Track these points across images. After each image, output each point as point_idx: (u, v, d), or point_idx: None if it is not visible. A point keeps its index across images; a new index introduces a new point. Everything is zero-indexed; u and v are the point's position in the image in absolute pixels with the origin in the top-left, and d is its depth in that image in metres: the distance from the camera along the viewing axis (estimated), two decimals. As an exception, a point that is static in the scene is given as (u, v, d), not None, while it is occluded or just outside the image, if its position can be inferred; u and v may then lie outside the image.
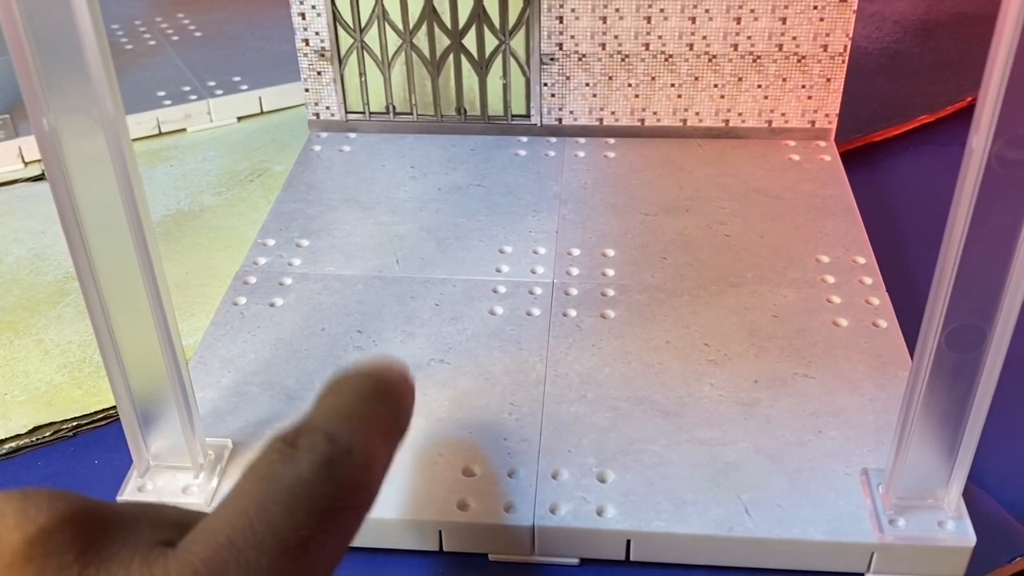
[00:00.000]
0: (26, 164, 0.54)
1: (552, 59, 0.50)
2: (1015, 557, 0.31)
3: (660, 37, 0.49)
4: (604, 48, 0.49)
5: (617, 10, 0.48)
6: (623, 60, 0.49)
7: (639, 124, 0.51)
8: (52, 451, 0.36)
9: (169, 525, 0.22)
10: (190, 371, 0.31)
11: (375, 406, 0.25)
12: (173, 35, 0.66)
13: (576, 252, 0.43)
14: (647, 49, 0.49)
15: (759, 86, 0.49)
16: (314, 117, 0.52)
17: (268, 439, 0.23)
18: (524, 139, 0.52)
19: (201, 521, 0.21)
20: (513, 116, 0.52)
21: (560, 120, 0.51)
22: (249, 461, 0.22)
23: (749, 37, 0.48)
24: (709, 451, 0.33)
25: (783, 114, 0.50)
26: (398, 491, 0.32)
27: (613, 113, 0.51)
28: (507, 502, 0.31)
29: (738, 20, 0.48)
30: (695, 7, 0.48)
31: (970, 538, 0.30)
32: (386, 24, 0.49)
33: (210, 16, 0.68)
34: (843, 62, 0.49)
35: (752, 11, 0.47)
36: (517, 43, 0.49)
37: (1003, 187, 0.23)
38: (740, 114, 0.50)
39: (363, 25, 0.50)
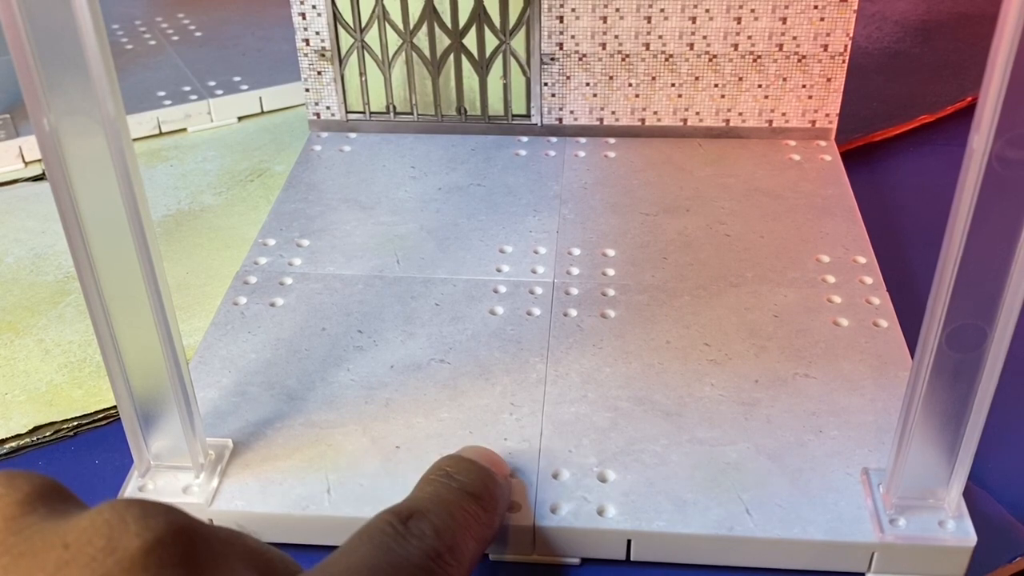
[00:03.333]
0: (26, 164, 0.54)
1: (552, 59, 0.50)
2: (1015, 557, 0.31)
3: (660, 37, 0.49)
4: (604, 48, 0.49)
5: (617, 10, 0.48)
6: (623, 60, 0.49)
7: (639, 124, 0.51)
8: (53, 451, 0.36)
9: (253, 555, 0.23)
10: (190, 371, 0.31)
11: (478, 509, 0.27)
12: (173, 35, 0.66)
13: (576, 252, 0.43)
14: (647, 49, 0.49)
15: (759, 86, 0.49)
16: (314, 117, 0.52)
17: (381, 513, 0.25)
18: (524, 139, 0.52)
19: (316, 568, 0.23)
20: (513, 116, 0.52)
21: (560, 120, 0.51)
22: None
23: (749, 37, 0.48)
24: (710, 451, 0.33)
25: (783, 114, 0.50)
26: (399, 492, 0.32)
27: (613, 113, 0.51)
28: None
29: (738, 20, 0.48)
30: (695, 7, 0.48)
31: (971, 538, 0.30)
32: (386, 24, 0.49)
33: (210, 16, 0.68)
34: (843, 62, 0.49)
35: (752, 11, 0.47)
36: (517, 43, 0.49)
37: (1004, 187, 0.23)
38: (740, 114, 0.50)
39: (363, 25, 0.50)
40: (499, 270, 0.42)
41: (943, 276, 0.25)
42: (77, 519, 0.20)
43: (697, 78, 0.50)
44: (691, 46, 0.49)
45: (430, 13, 0.49)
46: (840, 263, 0.42)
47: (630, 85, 0.50)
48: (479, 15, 0.49)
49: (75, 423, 0.37)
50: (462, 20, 0.49)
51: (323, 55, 0.50)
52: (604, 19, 0.48)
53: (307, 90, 0.52)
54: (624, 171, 0.49)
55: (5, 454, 0.36)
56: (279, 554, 0.25)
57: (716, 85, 0.50)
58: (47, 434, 0.37)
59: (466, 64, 0.50)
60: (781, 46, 0.48)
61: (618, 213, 0.45)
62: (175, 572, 0.20)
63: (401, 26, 0.49)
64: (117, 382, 0.29)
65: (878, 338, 0.38)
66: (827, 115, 0.50)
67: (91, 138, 0.25)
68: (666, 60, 0.49)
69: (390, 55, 0.50)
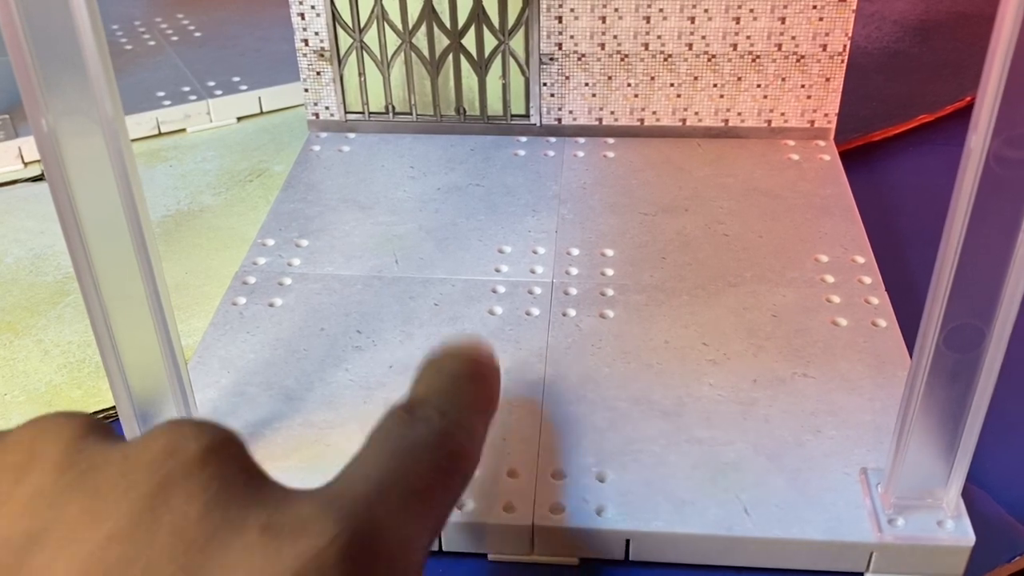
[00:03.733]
0: (26, 164, 0.54)
1: (551, 59, 0.50)
2: (1014, 556, 0.31)
3: (659, 37, 0.49)
4: (603, 48, 0.49)
5: (616, 10, 0.48)
6: (622, 60, 0.49)
7: (638, 124, 0.51)
8: (52, 451, 0.36)
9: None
10: (189, 371, 0.31)
11: (472, 386, 0.28)
12: (173, 35, 0.66)
13: (575, 252, 0.43)
14: (646, 49, 0.49)
15: (758, 86, 0.49)
16: (313, 117, 0.52)
17: (388, 409, 0.26)
18: (523, 139, 0.52)
19: (344, 467, 0.24)
20: (512, 116, 0.52)
21: (559, 120, 0.51)
22: (373, 427, 0.25)
23: (748, 37, 0.48)
24: (708, 451, 0.33)
25: (782, 114, 0.50)
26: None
27: (612, 113, 0.51)
28: (506, 502, 0.31)
29: (737, 20, 0.48)
30: (694, 7, 0.48)
31: (969, 537, 0.30)
32: (385, 24, 0.49)
33: (210, 16, 0.69)
34: (842, 62, 0.49)
35: (751, 11, 0.48)
36: (516, 43, 0.50)
37: (1001, 186, 0.24)
38: (739, 114, 0.50)
39: (362, 25, 0.50)
40: (498, 270, 0.42)
41: (941, 276, 0.25)
42: (134, 439, 0.21)
43: (696, 78, 0.50)
44: (690, 46, 0.49)
45: (429, 13, 0.49)
46: (839, 263, 0.42)
47: (629, 85, 0.50)
48: (478, 15, 0.49)
49: (74, 423, 0.37)
50: (461, 20, 0.49)
51: (322, 55, 0.50)
52: (603, 19, 0.48)
53: (306, 90, 0.52)
54: (623, 171, 0.49)
55: (4, 454, 0.36)
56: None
57: (715, 85, 0.50)
58: (46, 434, 0.37)
59: (465, 64, 0.50)
60: (780, 46, 0.48)
61: (617, 213, 0.45)
62: (233, 468, 0.21)
63: (400, 26, 0.49)
64: (116, 382, 0.29)
65: (877, 338, 0.38)
66: (826, 115, 0.50)
67: (89, 138, 0.25)
68: (665, 60, 0.49)
69: (389, 55, 0.50)
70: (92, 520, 0.19)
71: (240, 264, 0.43)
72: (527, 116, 0.52)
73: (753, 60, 0.49)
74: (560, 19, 0.49)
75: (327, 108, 0.52)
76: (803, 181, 0.48)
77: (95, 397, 0.38)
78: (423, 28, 0.49)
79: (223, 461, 0.21)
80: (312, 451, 0.33)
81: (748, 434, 0.34)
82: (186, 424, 0.21)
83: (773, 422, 0.34)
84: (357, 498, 0.22)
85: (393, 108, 0.52)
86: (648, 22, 0.48)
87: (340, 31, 0.50)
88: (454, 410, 0.26)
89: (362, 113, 0.52)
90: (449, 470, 0.25)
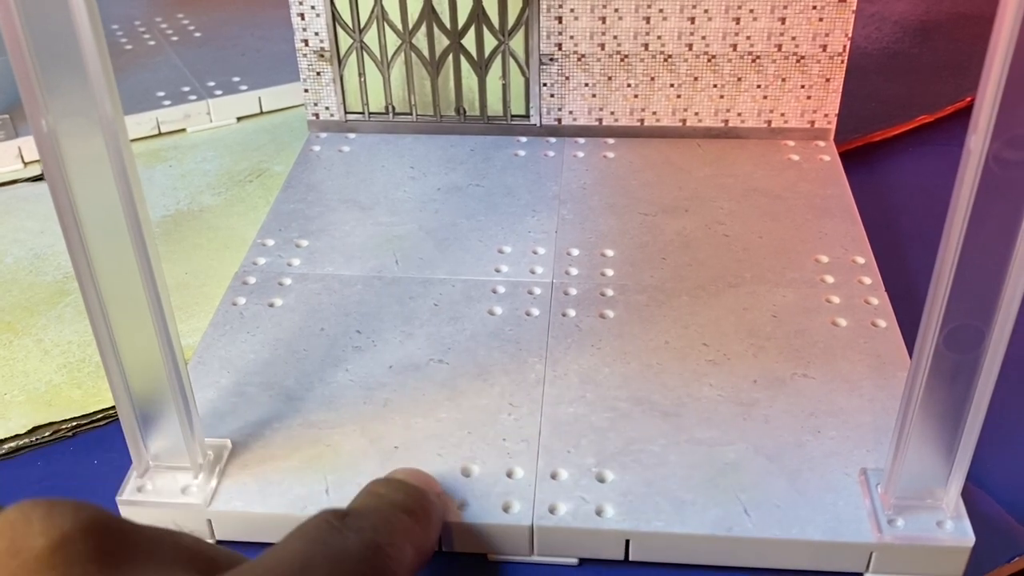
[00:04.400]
0: (26, 164, 0.54)
1: (551, 59, 0.50)
2: (1014, 557, 0.31)
3: (659, 37, 0.49)
4: (603, 48, 0.49)
5: (616, 10, 0.48)
6: (622, 60, 0.49)
7: (638, 124, 0.51)
8: (51, 451, 0.36)
9: (189, 554, 0.23)
10: (189, 371, 0.31)
11: (410, 521, 0.27)
12: (173, 35, 0.66)
13: (575, 252, 0.43)
14: (646, 49, 0.49)
15: (758, 86, 0.49)
16: (313, 117, 0.52)
17: (319, 512, 0.25)
18: (523, 139, 0.52)
19: (244, 564, 0.22)
20: (512, 116, 0.52)
21: (559, 120, 0.51)
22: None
23: (748, 37, 0.48)
24: (708, 451, 0.33)
25: (782, 114, 0.50)
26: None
27: (612, 113, 0.51)
28: (506, 502, 0.31)
29: (737, 20, 0.48)
30: (694, 7, 0.48)
31: (969, 538, 0.30)
32: (385, 24, 0.49)
33: (210, 16, 0.68)
34: (842, 62, 0.49)
35: (751, 11, 0.48)
36: (516, 43, 0.49)
37: (1001, 187, 0.24)
38: (739, 114, 0.50)
39: (362, 25, 0.50)
40: (498, 270, 0.42)
41: (941, 276, 0.25)
42: None
43: (696, 78, 0.50)
44: (690, 46, 0.49)
45: (429, 13, 0.49)
46: (839, 263, 0.42)
47: (629, 85, 0.50)
48: (478, 15, 0.49)
49: (74, 423, 0.37)
50: (461, 20, 0.49)
51: (322, 56, 0.50)
52: (603, 20, 0.48)
53: (306, 90, 0.52)
54: (623, 171, 0.49)
55: (4, 454, 0.36)
56: (224, 551, 0.24)
57: (715, 85, 0.50)
58: (46, 434, 0.37)
59: (465, 64, 0.50)
60: (780, 46, 0.48)
61: (617, 213, 0.45)
62: (85, 569, 0.19)
63: (400, 26, 0.49)
64: (116, 382, 0.29)
65: (876, 338, 0.38)
66: (826, 115, 0.50)
67: (89, 139, 0.25)
68: (665, 60, 0.49)
69: (389, 56, 0.50)
70: None
71: (240, 264, 0.43)
72: (527, 116, 0.52)
73: (753, 61, 0.49)
74: (560, 19, 0.49)
75: (327, 108, 0.52)
76: (803, 182, 0.48)
77: (95, 397, 0.38)
78: (423, 28, 0.49)
79: (72, 560, 0.19)
80: (312, 451, 0.33)
81: (748, 434, 0.34)
82: (37, 512, 0.19)
83: (773, 422, 0.34)
84: None
85: (393, 108, 0.52)
86: (648, 22, 0.48)
87: (340, 31, 0.50)
88: (388, 531, 0.25)
89: (362, 113, 0.52)
90: None
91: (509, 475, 0.32)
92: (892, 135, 0.54)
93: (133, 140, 0.52)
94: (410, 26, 0.49)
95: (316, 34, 0.50)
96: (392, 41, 0.50)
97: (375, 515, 0.26)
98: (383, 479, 0.29)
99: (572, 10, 0.48)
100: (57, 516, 0.19)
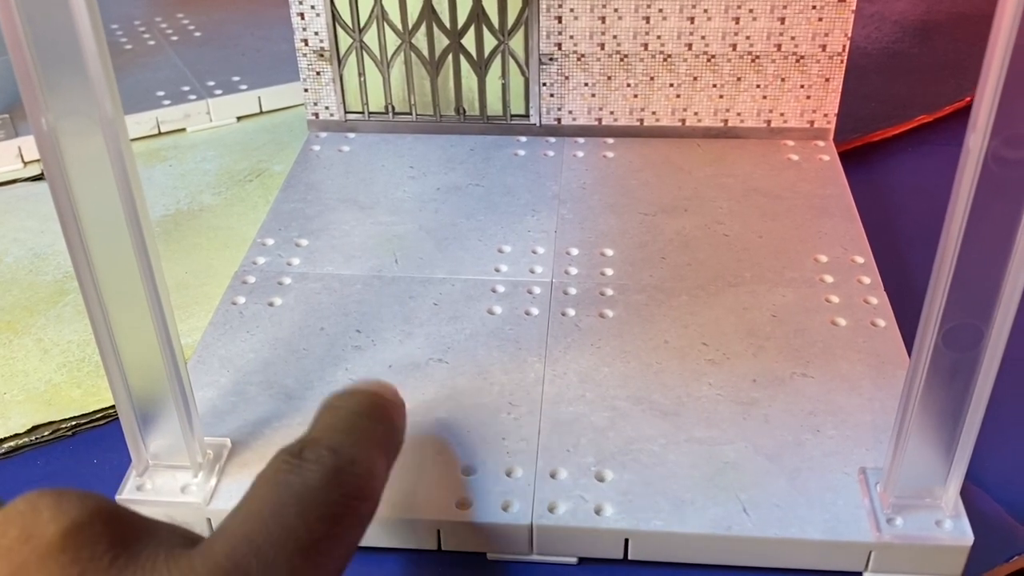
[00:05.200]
0: (26, 164, 0.54)
1: (551, 59, 0.50)
2: (1013, 556, 0.31)
3: (659, 37, 0.49)
4: (603, 48, 0.49)
5: (616, 10, 0.48)
6: (622, 60, 0.49)
7: (638, 124, 0.51)
8: (51, 450, 0.37)
9: (185, 536, 0.23)
10: (189, 371, 0.31)
11: (371, 423, 0.27)
12: (172, 35, 0.66)
13: (575, 252, 0.43)
14: (646, 49, 0.49)
15: (758, 86, 0.50)
16: (313, 117, 0.52)
17: (275, 453, 0.25)
18: (523, 139, 0.52)
19: (219, 525, 0.23)
20: (512, 116, 0.52)
21: (559, 120, 0.51)
22: (257, 472, 0.24)
23: (748, 37, 0.48)
24: (707, 450, 0.33)
25: (782, 114, 0.50)
26: (396, 490, 0.32)
27: (612, 113, 0.51)
28: (505, 501, 0.31)
29: (737, 20, 0.48)
30: (694, 7, 0.48)
31: (968, 537, 0.30)
32: (385, 24, 0.49)
33: (210, 16, 0.69)
34: (842, 62, 0.49)
35: (751, 11, 0.48)
36: (516, 43, 0.50)
37: (1000, 186, 0.24)
38: (739, 114, 0.50)
39: (362, 25, 0.50)
40: (497, 270, 0.42)
41: (940, 275, 0.25)
42: None
43: (695, 78, 0.50)
44: (689, 46, 0.49)
45: (429, 13, 0.49)
46: (838, 263, 0.42)
47: (628, 85, 0.50)
48: (477, 15, 0.49)
49: (73, 423, 0.37)
50: (460, 20, 0.49)
51: (322, 55, 0.50)
52: (602, 19, 0.48)
53: (306, 90, 0.52)
54: (622, 171, 0.49)
55: (3, 453, 0.36)
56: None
57: (714, 85, 0.50)
58: (45, 434, 0.37)
59: (465, 64, 0.50)
60: (779, 46, 0.48)
61: (616, 213, 0.45)
62: (95, 550, 0.20)
63: (400, 26, 0.49)
64: (115, 382, 0.29)
65: (876, 338, 0.38)
66: (825, 115, 0.50)
67: (89, 138, 0.25)
68: (664, 60, 0.49)
69: (389, 55, 0.50)
70: None
71: (240, 263, 0.43)
72: (527, 116, 0.52)
73: (752, 60, 0.49)
74: (560, 19, 0.49)
75: (327, 108, 0.52)
76: (802, 181, 0.48)
77: (94, 396, 0.38)
78: (423, 28, 0.49)
79: (82, 544, 0.20)
80: (311, 450, 0.33)
81: (747, 434, 0.34)
82: (45, 501, 0.20)
83: (772, 422, 0.34)
84: (238, 567, 0.21)
85: (393, 108, 0.52)
86: (648, 22, 0.48)
87: (340, 31, 0.50)
88: (350, 446, 0.25)
89: (362, 113, 0.52)
90: (341, 515, 0.23)
91: (508, 474, 0.32)
92: (891, 135, 0.54)
93: (133, 140, 0.52)
94: (410, 26, 0.49)
95: (316, 34, 0.50)
96: (392, 41, 0.50)
97: (332, 435, 0.25)
98: (340, 391, 0.28)
99: (572, 10, 0.48)
100: (65, 504, 0.20)
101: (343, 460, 0.24)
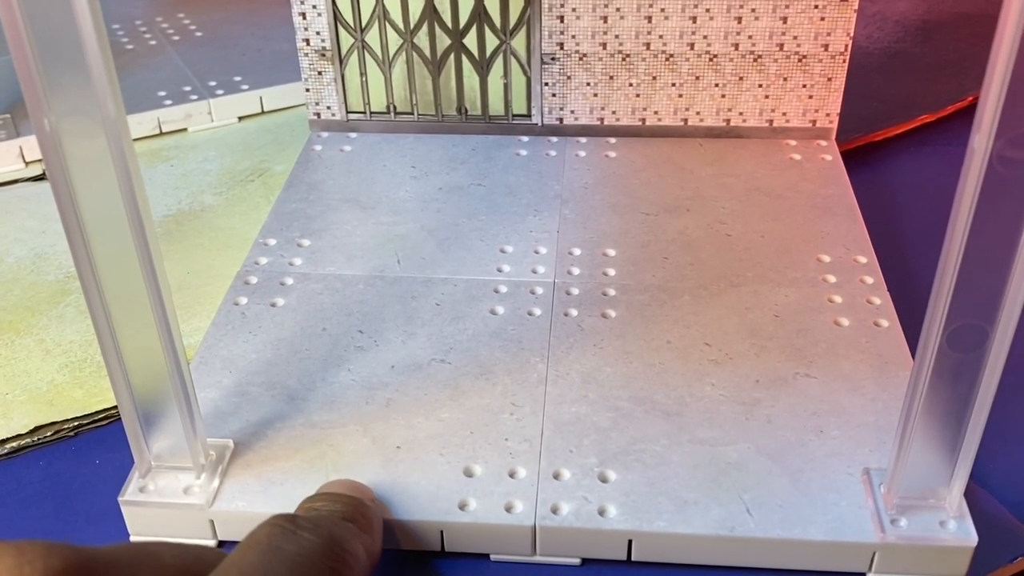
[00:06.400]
0: (27, 164, 0.54)
1: (553, 59, 0.50)
2: (1017, 556, 0.31)
3: (661, 37, 0.49)
4: (605, 48, 0.49)
5: (618, 9, 0.48)
6: (624, 60, 0.49)
7: (640, 124, 0.51)
8: (53, 451, 0.36)
9: (169, 571, 0.23)
10: (191, 371, 0.31)
11: (356, 529, 0.28)
12: (174, 35, 0.66)
13: (577, 252, 0.43)
14: (648, 48, 0.49)
15: (760, 85, 0.49)
16: (315, 117, 0.52)
17: (268, 518, 0.25)
18: (525, 139, 0.52)
19: None
20: (514, 116, 0.52)
21: (561, 120, 0.51)
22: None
23: (750, 36, 0.48)
24: (710, 451, 0.33)
25: (784, 113, 0.50)
26: (399, 492, 0.32)
27: (614, 113, 0.51)
28: (508, 502, 0.31)
29: (739, 19, 0.48)
30: (696, 7, 0.48)
31: (972, 538, 0.30)
32: (387, 24, 0.49)
33: (211, 16, 0.68)
34: (844, 61, 0.49)
35: (753, 10, 0.47)
36: (518, 43, 0.49)
37: (1005, 186, 0.23)
38: (741, 113, 0.50)
39: (364, 25, 0.50)
40: (500, 270, 0.42)
41: (944, 276, 0.25)
42: None
43: (698, 78, 0.49)
44: (692, 46, 0.49)
45: (430, 13, 0.49)
46: (841, 263, 0.42)
47: (631, 85, 0.50)
48: (479, 15, 0.49)
49: (76, 423, 0.37)
50: (462, 20, 0.49)
51: (323, 55, 0.50)
52: (605, 19, 0.48)
53: (307, 90, 0.52)
54: (625, 171, 0.49)
55: (6, 454, 0.36)
56: (209, 551, 0.25)
57: (717, 85, 0.50)
58: (48, 434, 0.37)
59: (466, 64, 0.50)
60: (782, 46, 0.48)
61: (619, 213, 0.45)
62: None
63: (401, 26, 0.49)
64: (118, 382, 0.29)
65: (879, 338, 0.38)
66: (828, 115, 0.50)
67: (91, 138, 0.25)
68: (667, 60, 0.49)
69: (390, 55, 0.50)
70: None
71: (242, 264, 0.43)
72: (529, 116, 0.51)
73: (755, 60, 0.49)
74: (562, 19, 0.48)
75: (328, 108, 0.52)
76: (805, 181, 0.48)
77: (96, 397, 0.38)
78: (424, 28, 0.49)
79: None
80: (314, 451, 0.33)
81: (750, 434, 0.34)
82: (6, 560, 0.19)
83: (775, 422, 0.34)
84: None
85: (394, 108, 0.52)
86: (650, 22, 0.48)
87: (341, 31, 0.50)
88: (340, 532, 0.26)
89: (363, 113, 0.52)
90: None
91: (511, 475, 0.32)
92: (894, 134, 0.54)
93: (134, 140, 0.52)
94: (411, 25, 0.49)
95: (317, 33, 0.50)
96: (394, 40, 0.50)
97: (324, 519, 0.26)
98: (315, 495, 0.30)
99: (574, 9, 0.48)
100: (26, 565, 0.19)
101: (335, 537, 0.25)
